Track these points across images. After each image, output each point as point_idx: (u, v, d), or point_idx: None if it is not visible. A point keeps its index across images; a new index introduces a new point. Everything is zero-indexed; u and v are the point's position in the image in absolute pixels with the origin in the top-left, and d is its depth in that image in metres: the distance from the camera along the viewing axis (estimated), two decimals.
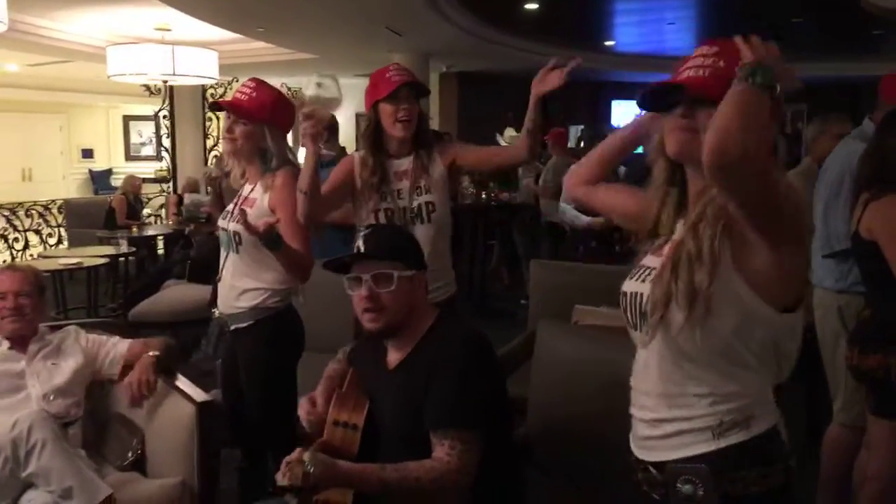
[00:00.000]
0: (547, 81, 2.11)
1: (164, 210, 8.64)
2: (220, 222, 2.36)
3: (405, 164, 2.35)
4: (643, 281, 1.29)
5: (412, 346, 1.68)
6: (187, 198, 6.90)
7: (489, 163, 2.56)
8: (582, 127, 11.67)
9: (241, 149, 2.28)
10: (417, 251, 1.75)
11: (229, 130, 2.26)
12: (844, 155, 2.63)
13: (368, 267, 1.64)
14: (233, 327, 2.32)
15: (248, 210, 2.20)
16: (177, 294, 4.75)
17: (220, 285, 2.36)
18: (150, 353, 2.23)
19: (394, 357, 1.72)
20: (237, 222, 2.18)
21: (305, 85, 2.05)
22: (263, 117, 2.24)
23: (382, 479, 1.52)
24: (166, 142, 8.63)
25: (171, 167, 8.69)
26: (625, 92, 11.73)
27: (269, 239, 2.08)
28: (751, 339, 1.19)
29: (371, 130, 2.34)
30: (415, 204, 2.32)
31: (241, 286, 2.27)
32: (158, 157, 10.11)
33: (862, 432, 2.37)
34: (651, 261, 1.31)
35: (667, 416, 1.25)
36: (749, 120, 1.05)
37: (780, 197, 1.11)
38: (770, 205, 1.10)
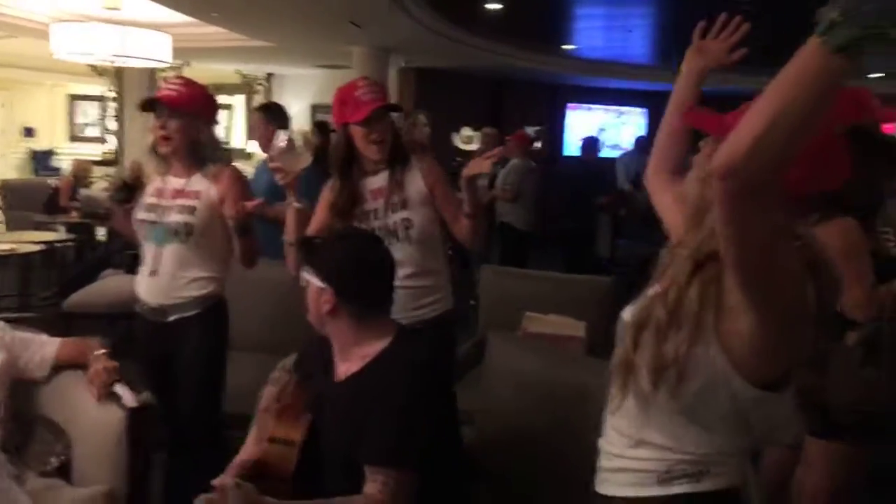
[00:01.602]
0: (477, 166, 2.16)
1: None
2: (146, 215, 2.35)
3: (379, 181, 2.29)
4: None
5: (360, 366, 1.62)
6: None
7: (444, 216, 2.37)
8: (538, 128, 11.74)
9: (176, 144, 2.30)
10: (335, 267, 1.62)
11: (164, 126, 2.28)
12: None
13: None
14: (174, 318, 2.32)
15: (197, 202, 2.29)
16: (115, 285, 4.56)
17: (153, 278, 2.33)
18: (100, 352, 2.11)
19: (341, 369, 1.66)
20: (185, 213, 2.28)
21: (278, 138, 2.18)
22: (196, 110, 2.30)
23: None
24: (112, 124, 8.36)
25: (117, 150, 8.42)
26: (582, 96, 11.82)
27: (245, 224, 2.19)
28: (715, 404, 1.13)
29: (341, 151, 2.28)
30: (390, 221, 2.26)
31: (188, 276, 2.31)
32: (103, 140, 9.78)
33: (801, 450, 2.40)
34: (655, 289, 1.21)
35: (621, 453, 1.23)
36: (797, 106, 0.82)
37: (780, 260, 0.99)
38: (766, 262, 0.98)
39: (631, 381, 1.17)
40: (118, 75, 8.05)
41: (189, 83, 2.32)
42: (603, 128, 11.84)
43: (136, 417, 2.00)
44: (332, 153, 2.33)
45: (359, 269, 1.63)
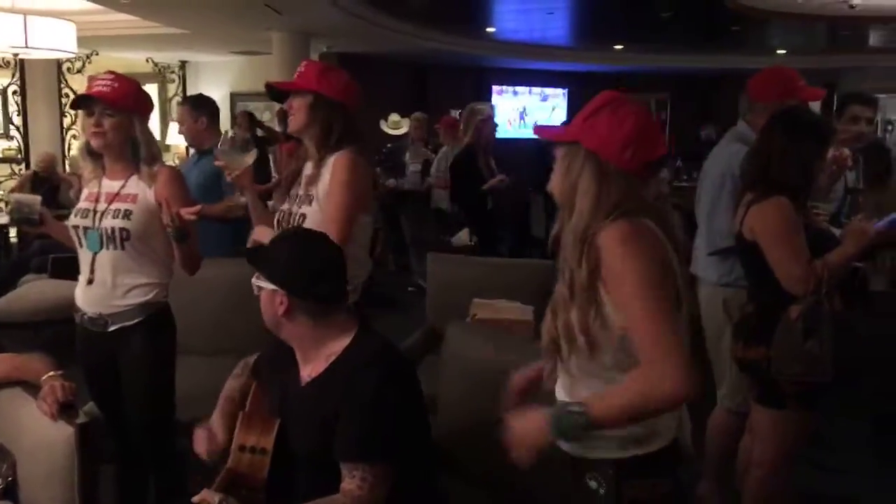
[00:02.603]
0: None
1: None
2: (80, 220, 2.26)
3: (309, 168, 2.26)
4: None
5: (326, 365, 1.60)
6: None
7: None
8: (461, 111, 11.76)
9: (111, 142, 2.21)
10: (283, 268, 1.59)
11: (97, 124, 2.17)
12: (724, 157, 2.72)
13: None
14: (115, 327, 2.24)
15: (134, 206, 2.21)
16: (38, 291, 4.35)
17: (90, 286, 2.25)
18: (52, 374, 1.97)
19: (306, 372, 1.63)
20: (121, 217, 2.19)
21: (221, 139, 2.24)
22: (130, 106, 2.20)
23: None
24: (17, 119, 7.88)
25: (22, 147, 7.95)
26: (506, 78, 11.94)
27: (183, 231, 2.11)
28: (633, 347, 1.32)
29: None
30: (296, 212, 2.23)
31: (128, 283, 2.23)
32: (7, 136, 9.23)
33: (745, 417, 2.51)
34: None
35: None
36: None
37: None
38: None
39: (560, 353, 1.39)
40: (21, 67, 7.59)
41: (121, 78, 2.23)
42: (523, 111, 12.01)
43: (85, 434, 1.91)
44: None
45: (308, 266, 1.61)
